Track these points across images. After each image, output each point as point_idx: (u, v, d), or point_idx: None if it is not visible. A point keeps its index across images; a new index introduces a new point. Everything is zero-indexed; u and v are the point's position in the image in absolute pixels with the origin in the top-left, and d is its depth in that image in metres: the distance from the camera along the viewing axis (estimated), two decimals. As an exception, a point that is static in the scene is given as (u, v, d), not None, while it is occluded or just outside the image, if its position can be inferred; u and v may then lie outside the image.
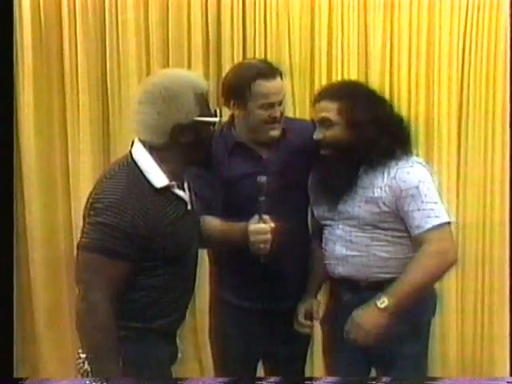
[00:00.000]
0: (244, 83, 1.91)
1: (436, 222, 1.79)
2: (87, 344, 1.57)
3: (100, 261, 1.51)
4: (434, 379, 2.05)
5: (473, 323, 2.93)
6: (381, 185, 1.84)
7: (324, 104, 1.87)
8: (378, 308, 1.75)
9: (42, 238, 2.98)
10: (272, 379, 2.02)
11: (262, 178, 1.80)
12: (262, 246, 1.76)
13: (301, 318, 2.01)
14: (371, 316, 1.76)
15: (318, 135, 1.87)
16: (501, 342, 2.87)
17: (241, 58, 2.82)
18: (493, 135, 2.83)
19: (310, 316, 2.03)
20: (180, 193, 1.65)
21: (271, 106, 1.92)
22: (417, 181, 1.81)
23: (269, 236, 1.76)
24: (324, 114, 1.86)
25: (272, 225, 1.76)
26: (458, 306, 2.92)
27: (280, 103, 1.95)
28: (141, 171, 1.58)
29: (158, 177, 1.58)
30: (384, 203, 1.83)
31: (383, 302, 1.75)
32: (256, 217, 1.77)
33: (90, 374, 1.59)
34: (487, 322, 2.92)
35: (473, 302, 2.92)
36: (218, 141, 1.91)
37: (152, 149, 1.60)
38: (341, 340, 1.96)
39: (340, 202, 1.89)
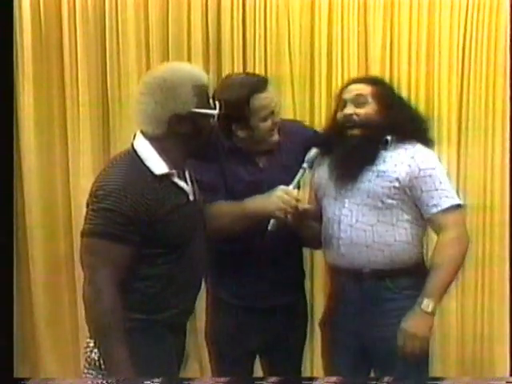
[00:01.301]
0: (240, 101, 1.90)
1: (453, 202, 1.86)
2: (94, 328, 1.59)
3: (104, 245, 1.55)
4: (434, 379, 2.05)
5: (473, 323, 2.93)
6: (396, 162, 1.89)
7: (359, 86, 1.97)
8: (426, 312, 1.78)
9: (42, 238, 2.98)
10: (272, 379, 2.02)
11: (313, 150, 1.90)
12: (283, 206, 1.79)
13: None
14: (422, 322, 1.79)
15: (349, 110, 1.92)
16: (501, 342, 2.86)
17: (241, 58, 2.83)
18: (493, 135, 2.83)
19: None
20: (180, 183, 1.69)
21: (272, 113, 1.95)
22: (434, 164, 1.90)
23: (294, 203, 1.82)
24: (360, 92, 1.94)
25: (299, 198, 1.84)
26: (457, 306, 2.92)
27: (276, 107, 1.98)
28: (141, 160, 1.62)
29: (157, 164, 1.62)
30: (397, 179, 1.86)
31: (428, 305, 1.78)
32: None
33: (96, 363, 1.61)
34: (487, 322, 2.91)
35: (473, 302, 2.92)
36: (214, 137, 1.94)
37: (152, 139, 1.64)
38: (340, 339, 1.97)
39: (351, 179, 1.92)
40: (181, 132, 1.63)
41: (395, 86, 2.79)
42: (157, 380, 1.64)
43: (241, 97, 1.90)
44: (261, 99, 1.91)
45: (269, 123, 1.95)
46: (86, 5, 2.85)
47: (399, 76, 2.83)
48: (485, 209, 2.86)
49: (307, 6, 2.81)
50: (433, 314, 1.79)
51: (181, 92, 1.61)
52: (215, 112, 1.67)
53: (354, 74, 2.78)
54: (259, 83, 1.95)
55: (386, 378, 1.91)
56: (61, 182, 2.98)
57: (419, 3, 2.78)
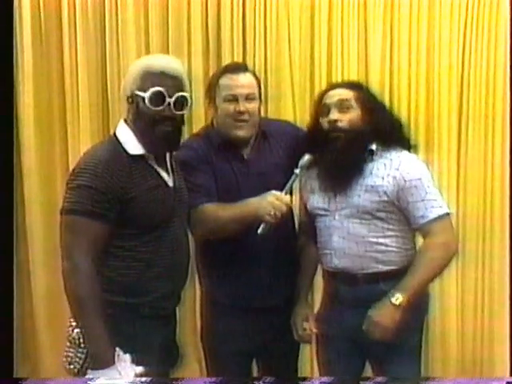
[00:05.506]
0: (214, 79, 2.00)
1: (440, 212, 1.84)
2: (72, 302, 1.61)
3: (79, 222, 1.60)
4: (434, 379, 2.06)
5: (473, 323, 2.93)
6: (383, 174, 1.88)
7: (342, 90, 1.95)
8: (394, 304, 1.79)
9: (42, 238, 2.98)
10: (267, 379, 2.03)
11: (306, 156, 1.89)
12: (273, 211, 1.79)
13: (300, 330, 2.05)
14: (387, 313, 1.79)
15: (333, 116, 1.90)
16: (501, 341, 2.86)
17: (241, 57, 2.83)
18: (493, 135, 2.83)
19: (307, 319, 2.06)
20: (157, 167, 1.74)
21: (235, 98, 1.94)
22: (419, 173, 1.88)
23: (284, 208, 1.81)
24: (344, 97, 1.92)
25: (290, 204, 1.85)
26: (458, 305, 2.92)
27: (247, 98, 1.96)
28: (119, 142, 1.71)
29: (133, 146, 1.70)
30: (385, 192, 1.86)
31: (398, 298, 1.79)
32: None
33: (76, 341, 1.63)
34: (487, 321, 2.92)
35: (473, 302, 2.92)
36: (205, 140, 2.01)
37: (128, 123, 1.74)
38: (335, 337, 1.98)
39: (340, 191, 1.91)
40: (134, 113, 1.71)
41: (395, 86, 2.83)
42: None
43: (215, 74, 2.01)
44: (227, 78, 1.95)
45: (230, 107, 1.94)
46: (85, 5, 2.85)
47: (399, 76, 2.83)
48: (485, 209, 2.86)
49: (307, 5, 2.81)
50: (400, 306, 1.78)
51: (131, 77, 1.72)
52: (145, 95, 1.68)
53: (354, 74, 2.79)
54: (234, 65, 2.02)
55: (379, 379, 1.92)
56: (61, 182, 2.98)
57: (419, 3, 2.78)
